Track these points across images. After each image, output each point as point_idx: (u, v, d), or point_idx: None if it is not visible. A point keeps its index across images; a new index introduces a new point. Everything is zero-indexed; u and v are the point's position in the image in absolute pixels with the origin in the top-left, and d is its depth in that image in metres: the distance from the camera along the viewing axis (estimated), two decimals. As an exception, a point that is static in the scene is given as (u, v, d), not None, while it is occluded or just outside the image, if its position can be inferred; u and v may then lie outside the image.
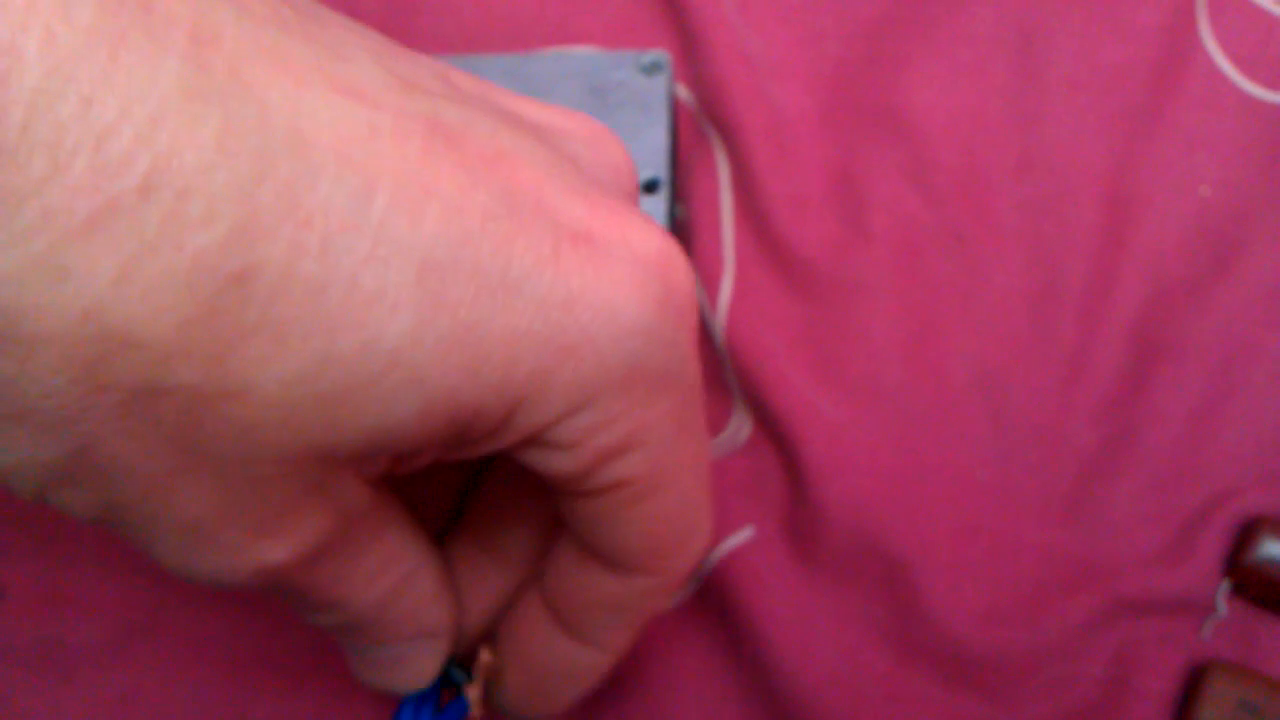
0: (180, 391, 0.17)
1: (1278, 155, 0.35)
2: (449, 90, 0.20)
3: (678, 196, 0.35)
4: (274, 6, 0.18)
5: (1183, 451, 0.32)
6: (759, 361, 0.33)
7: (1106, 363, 0.33)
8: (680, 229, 0.35)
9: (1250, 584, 0.31)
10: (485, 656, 0.25)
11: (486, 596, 0.26)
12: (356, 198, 0.17)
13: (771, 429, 0.33)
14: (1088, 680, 0.30)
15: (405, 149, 0.18)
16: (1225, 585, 0.31)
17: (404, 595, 0.23)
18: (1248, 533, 0.31)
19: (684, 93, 0.36)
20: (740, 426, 0.33)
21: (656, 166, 0.31)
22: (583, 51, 0.33)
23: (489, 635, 0.26)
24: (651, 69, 0.32)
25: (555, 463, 0.20)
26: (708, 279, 0.34)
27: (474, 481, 0.26)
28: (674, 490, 0.22)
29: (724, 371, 0.34)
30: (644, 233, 0.21)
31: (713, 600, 0.32)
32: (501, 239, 0.19)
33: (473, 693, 0.25)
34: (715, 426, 0.34)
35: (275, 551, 0.19)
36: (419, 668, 0.24)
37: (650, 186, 0.31)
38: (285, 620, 0.32)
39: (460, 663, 0.26)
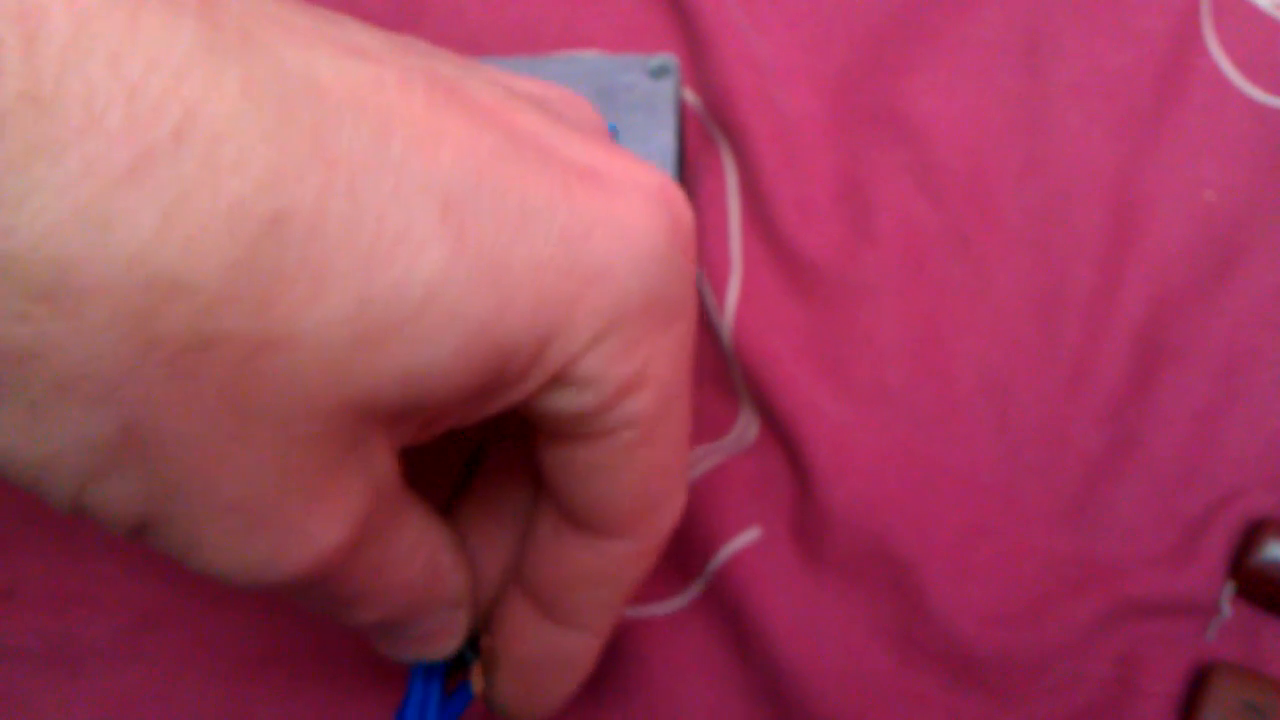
0: (227, 343, 0.17)
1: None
2: (435, 52, 0.21)
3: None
4: None
5: (1188, 454, 0.32)
6: (766, 363, 0.33)
7: (1112, 366, 0.33)
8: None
9: (1255, 586, 0.31)
10: (486, 641, 0.26)
11: (496, 561, 0.26)
12: (375, 139, 0.18)
13: (778, 430, 0.33)
14: (1093, 681, 0.30)
15: (412, 98, 0.18)
16: (1230, 587, 0.31)
17: (432, 574, 0.23)
18: (1252, 535, 0.31)
19: (691, 97, 0.36)
20: (747, 427, 0.34)
21: (664, 169, 0.32)
22: (590, 55, 0.33)
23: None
24: (659, 73, 0.32)
25: (577, 401, 0.21)
26: (715, 281, 0.34)
27: (475, 456, 0.27)
28: (667, 439, 0.22)
29: (731, 373, 0.34)
30: (644, 167, 0.21)
31: (719, 600, 0.32)
32: (514, 174, 0.19)
33: (478, 672, 0.26)
34: (722, 427, 0.34)
35: (327, 528, 0.19)
36: (448, 636, 0.24)
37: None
38: (290, 617, 0.32)
39: (473, 639, 0.26)
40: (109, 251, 0.16)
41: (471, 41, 0.37)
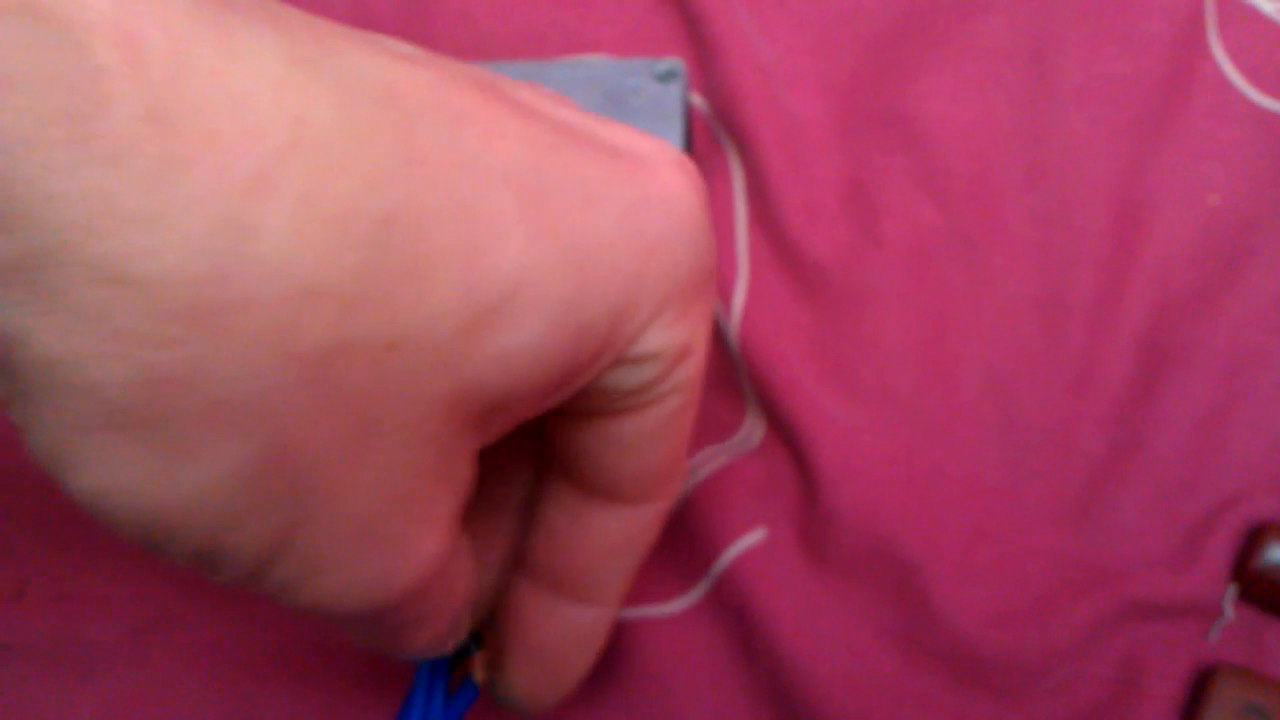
0: (358, 348, 0.17)
1: (1286, 165, 0.35)
2: (459, 63, 0.21)
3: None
4: (293, 7, 0.19)
5: (1191, 457, 0.32)
6: (772, 365, 0.33)
7: (1115, 369, 0.33)
8: (714, 248, 0.35)
9: (1257, 589, 0.31)
10: (490, 638, 0.26)
11: (496, 555, 0.26)
12: (451, 136, 0.18)
13: (784, 432, 0.33)
14: (1096, 682, 0.31)
15: (467, 95, 0.19)
16: (1232, 590, 0.31)
17: (459, 576, 0.23)
18: (1255, 538, 0.31)
19: (699, 101, 0.37)
20: (753, 430, 0.34)
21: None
22: (597, 60, 0.34)
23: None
24: (666, 77, 0.32)
25: (639, 374, 0.22)
26: (722, 284, 0.34)
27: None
28: (695, 408, 0.23)
29: (738, 375, 0.34)
30: (659, 144, 0.22)
31: (724, 601, 0.32)
32: (569, 160, 0.20)
33: (479, 663, 0.26)
34: (728, 429, 0.34)
35: (431, 540, 0.20)
36: (458, 632, 0.24)
37: None
38: (298, 620, 0.32)
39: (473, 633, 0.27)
40: (246, 264, 0.16)
41: (480, 46, 0.37)
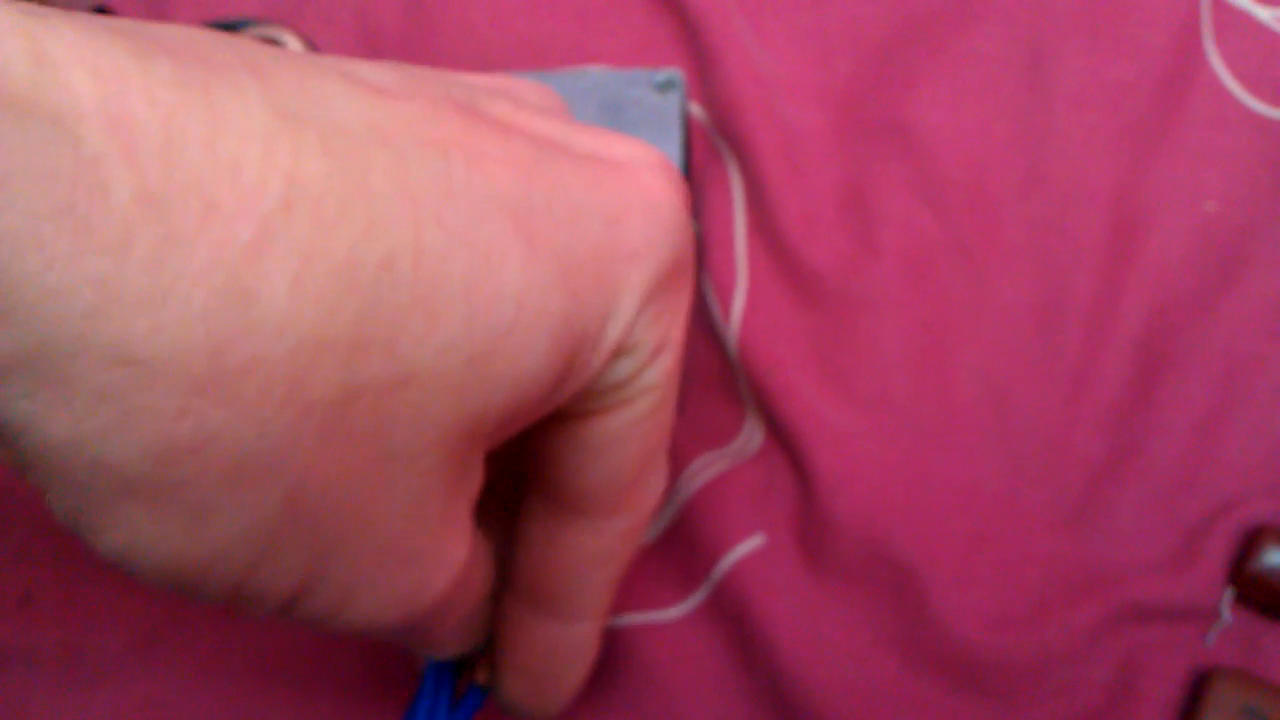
0: (367, 390, 0.17)
1: (1281, 171, 0.35)
2: (433, 77, 0.22)
3: (691, 211, 0.35)
4: (271, 49, 0.19)
5: (1188, 462, 0.33)
6: (770, 372, 0.33)
7: (1112, 375, 0.33)
8: (694, 243, 0.35)
9: (1254, 592, 0.31)
10: (481, 666, 0.26)
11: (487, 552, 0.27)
12: (440, 170, 0.18)
13: (782, 439, 0.33)
14: (1093, 685, 0.31)
15: (450, 125, 0.19)
16: (1229, 593, 0.31)
17: (474, 575, 0.23)
18: (1252, 542, 0.31)
19: (698, 110, 0.37)
20: (752, 436, 0.34)
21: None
22: (597, 70, 0.34)
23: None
24: (665, 87, 0.32)
25: (618, 370, 0.22)
26: (721, 292, 0.35)
27: None
28: (668, 410, 0.23)
29: (736, 382, 0.34)
30: (640, 145, 0.23)
31: (723, 606, 0.32)
32: (553, 177, 0.20)
33: (482, 665, 0.26)
34: (727, 435, 0.34)
35: (455, 547, 0.20)
36: (477, 629, 0.25)
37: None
38: (303, 627, 0.33)
39: None
40: (254, 327, 0.16)
41: (481, 58, 0.38)
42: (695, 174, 0.36)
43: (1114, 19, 0.36)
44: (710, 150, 0.36)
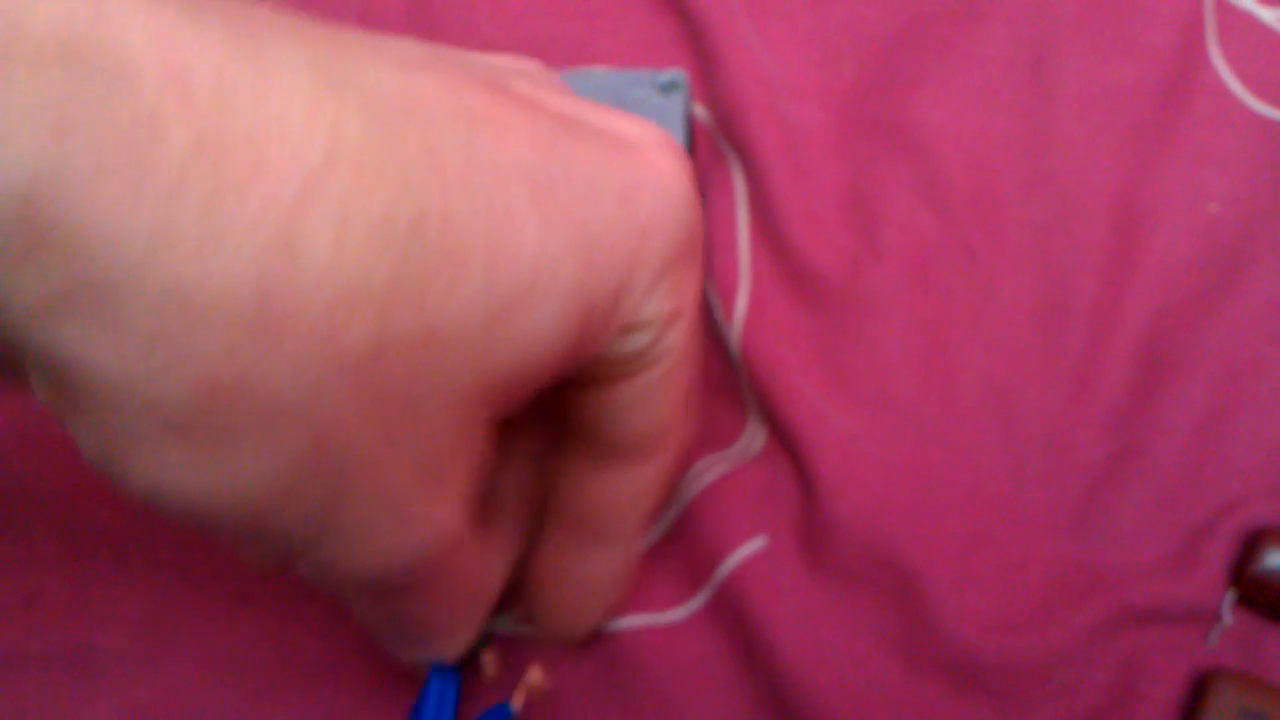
0: (398, 343, 0.18)
1: (1285, 173, 0.35)
2: (460, 56, 0.23)
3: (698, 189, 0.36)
4: (313, 19, 0.20)
5: (1189, 464, 0.33)
6: (773, 373, 0.33)
7: (1115, 376, 0.33)
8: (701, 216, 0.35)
9: (1255, 594, 0.31)
10: (534, 675, 0.27)
11: (498, 552, 0.27)
12: (467, 137, 0.19)
13: (785, 441, 0.33)
14: (1095, 688, 0.31)
15: (474, 98, 0.20)
16: (1230, 595, 0.31)
17: (469, 560, 0.24)
18: (1253, 544, 0.31)
19: (701, 111, 0.37)
20: (754, 438, 0.34)
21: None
22: (600, 71, 0.34)
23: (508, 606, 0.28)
24: (669, 88, 0.32)
25: (632, 343, 0.23)
26: (724, 293, 0.35)
27: None
28: (688, 366, 0.25)
29: (739, 383, 0.34)
30: (646, 125, 0.24)
31: (725, 608, 0.32)
32: (570, 151, 0.21)
33: (518, 700, 0.26)
34: (730, 438, 0.34)
35: (448, 510, 0.21)
36: (466, 631, 0.26)
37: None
38: (304, 624, 0.33)
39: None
40: (299, 276, 0.17)
41: (485, 58, 0.38)
42: (698, 175, 0.36)
43: (1116, 20, 0.36)
44: (713, 151, 0.37)
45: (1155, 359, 0.34)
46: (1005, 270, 0.34)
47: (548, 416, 0.27)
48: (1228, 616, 0.31)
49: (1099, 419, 0.33)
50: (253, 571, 0.22)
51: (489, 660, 0.27)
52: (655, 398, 0.24)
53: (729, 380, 0.35)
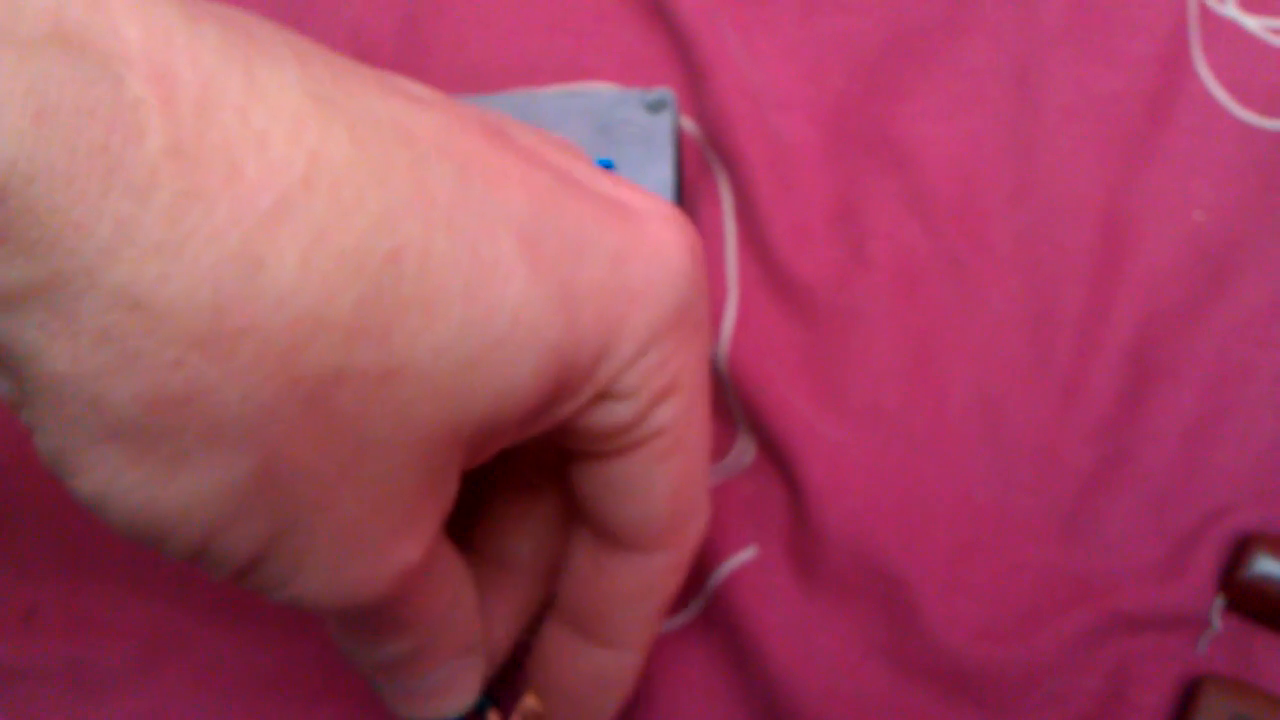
0: (357, 375, 0.18)
1: (1269, 180, 0.35)
2: (470, 104, 0.22)
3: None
4: (314, 42, 0.20)
5: (1178, 470, 0.33)
6: (762, 386, 0.34)
7: (1102, 384, 0.34)
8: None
9: (1244, 600, 0.31)
10: (530, 701, 0.26)
11: (507, 611, 0.27)
12: (460, 179, 0.19)
13: (774, 452, 0.33)
14: (1084, 694, 0.31)
15: (475, 140, 0.20)
16: (1220, 601, 0.31)
17: (456, 608, 0.24)
18: (1242, 549, 0.31)
19: (690, 125, 0.37)
20: (744, 450, 0.34)
21: (661, 198, 0.32)
22: (589, 89, 0.34)
23: (517, 662, 0.27)
24: (656, 106, 0.33)
25: (615, 414, 0.22)
26: (711, 306, 0.35)
27: (476, 500, 0.27)
28: (692, 447, 0.24)
29: (727, 396, 0.35)
30: (657, 199, 0.23)
31: (717, 618, 0.32)
32: (568, 207, 0.21)
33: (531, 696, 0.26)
34: (720, 450, 0.34)
35: (411, 549, 0.20)
36: (464, 686, 0.25)
37: None
38: (302, 638, 0.33)
39: (488, 692, 0.27)
40: (260, 293, 0.16)
41: (475, 76, 0.38)
42: (687, 190, 0.36)
43: (1101, 30, 0.37)
44: (701, 164, 0.37)
45: (1143, 367, 0.34)
46: (992, 280, 0.35)
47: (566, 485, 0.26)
48: (1217, 622, 0.31)
49: (1087, 427, 0.33)
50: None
51: (534, 703, 0.27)
52: (653, 481, 0.23)
53: (718, 393, 0.35)
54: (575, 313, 0.20)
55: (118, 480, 0.17)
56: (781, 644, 0.31)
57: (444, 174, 0.19)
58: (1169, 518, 0.33)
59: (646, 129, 0.32)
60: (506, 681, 0.30)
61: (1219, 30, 0.37)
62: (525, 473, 0.26)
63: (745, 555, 0.33)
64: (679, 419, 0.23)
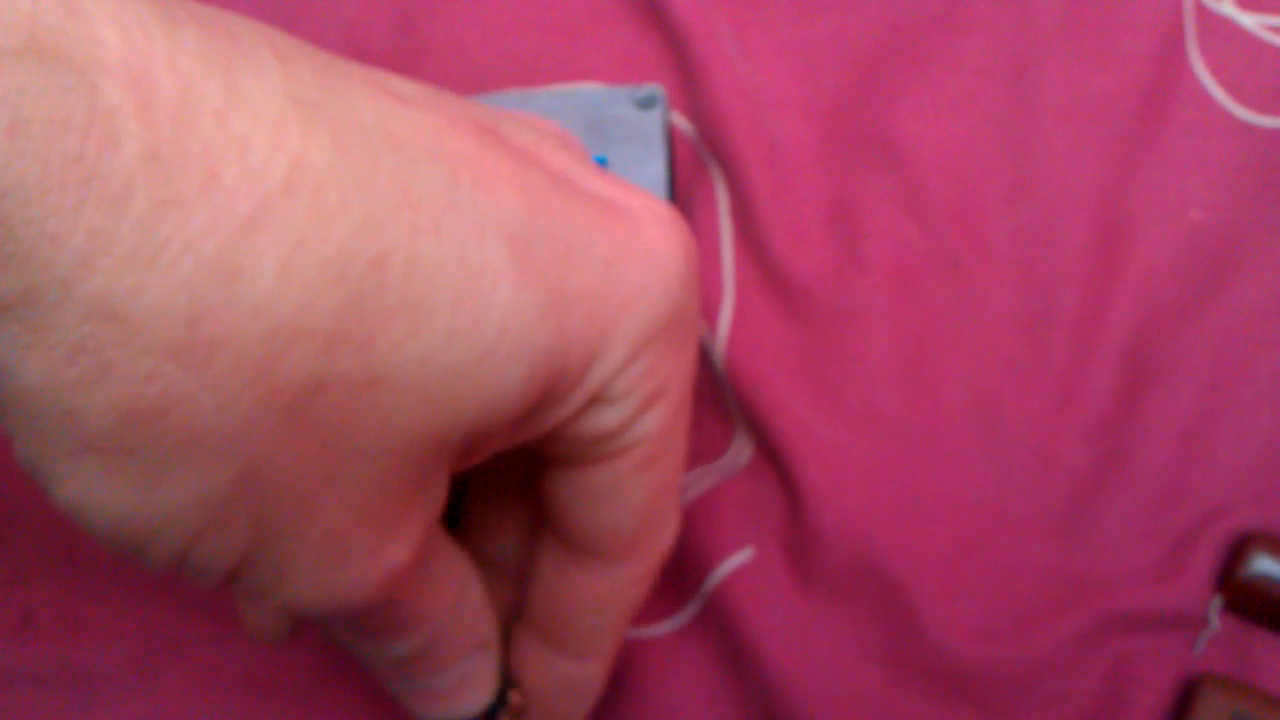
0: (339, 383, 0.17)
1: (1267, 177, 0.35)
2: (464, 101, 0.22)
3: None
4: (305, 42, 0.19)
5: (1175, 470, 0.33)
6: (758, 386, 0.34)
7: (1099, 384, 0.34)
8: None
9: (1242, 599, 0.31)
10: (515, 698, 0.26)
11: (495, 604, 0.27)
12: (448, 182, 0.19)
13: (771, 453, 0.33)
14: (1082, 695, 0.31)
15: (465, 142, 0.20)
16: (1218, 601, 0.31)
17: (462, 605, 0.23)
18: (1239, 549, 0.31)
19: (685, 125, 0.37)
20: (741, 450, 0.34)
21: (656, 196, 0.32)
22: (580, 89, 0.34)
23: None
24: (647, 103, 0.32)
25: (603, 419, 0.22)
26: (708, 306, 0.35)
27: (461, 498, 0.27)
28: (670, 458, 0.23)
29: (724, 396, 0.35)
30: (653, 199, 0.23)
31: (714, 620, 0.32)
32: (559, 209, 0.20)
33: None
34: (716, 450, 0.34)
35: (398, 551, 0.20)
36: (480, 683, 0.25)
37: None
38: (300, 643, 0.33)
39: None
40: (236, 302, 0.16)
41: (472, 75, 0.38)
42: (681, 188, 0.36)
43: (1097, 28, 0.37)
44: (697, 164, 0.37)
45: (1140, 366, 0.34)
46: (988, 280, 0.35)
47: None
48: (1215, 622, 0.31)
49: (1084, 427, 0.33)
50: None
51: (518, 700, 0.27)
52: (631, 489, 0.23)
53: (714, 393, 0.35)
54: (566, 318, 0.20)
55: (95, 490, 0.17)
56: (778, 645, 0.31)
57: (432, 177, 0.19)
58: (1167, 518, 0.32)
59: (638, 126, 0.32)
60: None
61: (1215, 28, 0.37)
62: (509, 473, 0.26)
63: (742, 556, 0.33)
64: (663, 428, 0.23)
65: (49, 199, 0.15)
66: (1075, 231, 0.35)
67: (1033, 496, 0.33)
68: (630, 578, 0.25)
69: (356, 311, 0.17)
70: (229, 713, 0.33)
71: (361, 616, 0.21)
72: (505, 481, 0.26)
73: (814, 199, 0.36)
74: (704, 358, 0.35)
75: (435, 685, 0.24)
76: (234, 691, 0.33)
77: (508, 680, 0.26)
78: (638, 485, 0.23)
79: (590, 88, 0.36)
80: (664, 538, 0.25)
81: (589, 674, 0.26)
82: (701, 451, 0.34)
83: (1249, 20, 0.37)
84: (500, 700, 0.26)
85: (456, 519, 0.27)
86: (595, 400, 0.22)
